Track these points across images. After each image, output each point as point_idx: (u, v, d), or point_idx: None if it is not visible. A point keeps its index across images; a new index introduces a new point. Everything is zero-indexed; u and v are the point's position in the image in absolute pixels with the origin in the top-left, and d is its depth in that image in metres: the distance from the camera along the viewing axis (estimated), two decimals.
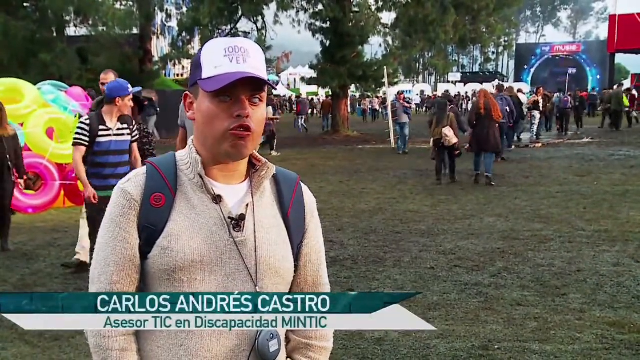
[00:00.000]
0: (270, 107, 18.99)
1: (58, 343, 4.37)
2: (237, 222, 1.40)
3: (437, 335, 4.42)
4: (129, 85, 5.28)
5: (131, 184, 1.42)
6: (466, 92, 43.27)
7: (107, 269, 1.39)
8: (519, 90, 21.10)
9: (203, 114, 1.39)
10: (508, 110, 14.77)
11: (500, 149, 12.47)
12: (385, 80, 21.96)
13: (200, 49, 1.44)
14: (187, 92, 1.47)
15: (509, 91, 16.51)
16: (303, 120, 29.99)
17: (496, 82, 29.31)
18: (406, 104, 18.59)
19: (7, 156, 6.89)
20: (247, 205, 1.43)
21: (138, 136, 5.54)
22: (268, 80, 1.39)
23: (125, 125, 5.31)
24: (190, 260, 1.36)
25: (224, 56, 1.37)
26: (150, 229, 1.38)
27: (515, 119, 16.22)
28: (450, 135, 11.49)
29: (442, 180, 11.93)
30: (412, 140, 18.48)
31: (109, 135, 5.22)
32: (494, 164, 12.05)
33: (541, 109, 20.20)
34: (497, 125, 11.92)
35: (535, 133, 20.46)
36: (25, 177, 7.56)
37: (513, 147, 17.93)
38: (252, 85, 1.37)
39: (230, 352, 1.37)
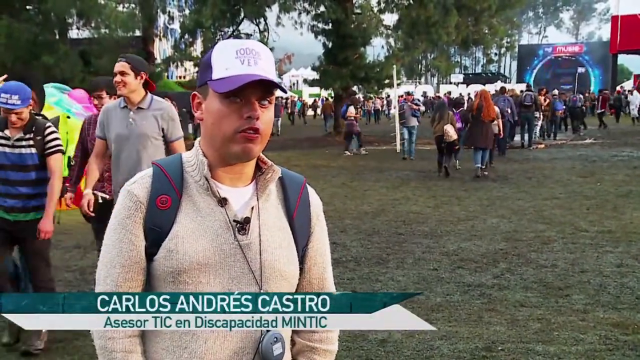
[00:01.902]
0: (352, 107, 18.46)
1: (62, 344, 4.38)
2: (242, 225, 1.40)
3: (441, 337, 4.41)
4: (14, 94, 4.11)
5: (137, 186, 1.42)
6: (468, 94, 43.31)
7: (113, 271, 1.40)
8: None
9: (212, 114, 1.39)
10: (509, 111, 15.15)
11: (492, 146, 13.24)
12: (394, 81, 21.84)
13: (211, 50, 1.43)
14: (194, 93, 1.46)
15: (510, 92, 16.93)
16: (279, 122, 29.97)
17: (499, 83, 29.31)
18: (414, 107, 17.74)
19: None
20: (252, 208, 1.43)
21: (56, 148, 4.34)
22: (280, 82, 1.39)
23: (29, 136, 4.26)
24: (195, 263, 1.36)
25: (235, 58, 1.36)
26: (156, 231, 1.38)
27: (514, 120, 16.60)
28: (451, 132, 12.45)
29: (448, 172, 12.74)
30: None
31: (7, 145, 4.26)
32: (498, 163, 12.26)
33: (543, 110, 20.14)
34: (499, 124, 12.84)
35: (536, 134, 20.42)
36: None
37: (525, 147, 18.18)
38: (262, 88, 1.37)
39: (234, 354, 1.37)
